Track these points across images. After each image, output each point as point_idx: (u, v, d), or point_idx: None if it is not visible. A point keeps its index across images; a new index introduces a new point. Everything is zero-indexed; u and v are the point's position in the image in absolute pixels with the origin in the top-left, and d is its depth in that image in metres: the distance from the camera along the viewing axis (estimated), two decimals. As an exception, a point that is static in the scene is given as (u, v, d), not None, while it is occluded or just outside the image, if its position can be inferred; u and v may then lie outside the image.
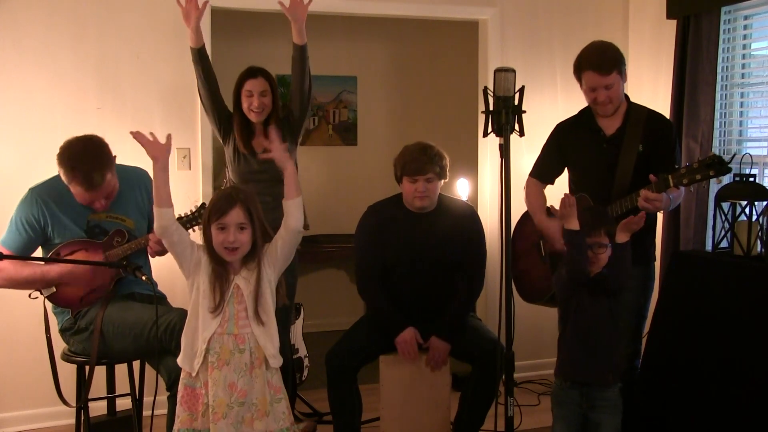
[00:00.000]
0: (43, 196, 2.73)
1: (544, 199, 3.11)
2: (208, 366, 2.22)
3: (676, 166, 2.72)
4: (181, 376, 2.30)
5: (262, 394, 2.25)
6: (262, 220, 2.33)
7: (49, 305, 2.80)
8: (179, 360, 2.29)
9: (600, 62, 2.78)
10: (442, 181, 3.00)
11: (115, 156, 2.75)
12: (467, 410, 2.95)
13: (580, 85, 2.91)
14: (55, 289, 2.73)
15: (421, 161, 2.90)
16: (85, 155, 2.64)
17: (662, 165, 2.75)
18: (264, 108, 3.16)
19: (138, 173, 2.94)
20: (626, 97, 2.95)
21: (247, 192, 2.37)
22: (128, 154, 2.82)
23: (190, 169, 3.67)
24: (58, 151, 2.67)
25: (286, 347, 3.41)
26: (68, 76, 3.48)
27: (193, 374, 2.25)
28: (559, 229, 2.84)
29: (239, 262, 2.31)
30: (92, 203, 2.72)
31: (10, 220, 2.73)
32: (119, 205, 2.82)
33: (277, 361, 2.30)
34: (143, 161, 2.98)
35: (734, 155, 2.85)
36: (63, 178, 2.65)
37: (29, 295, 2.75)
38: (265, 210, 3.20)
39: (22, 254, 2.71)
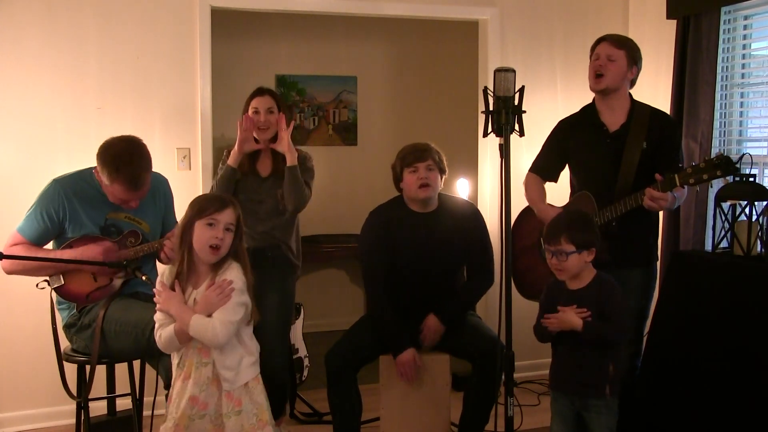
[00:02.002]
0: (67, 189, 2.73)
1: (544, 191, 3.12)
2: (175, 378, 2.24)
3: (681, 165, 2.73)
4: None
5: (220, 406, 2.23)
6: (242, 241, 2.31)
7: (54, 298, 2.81)
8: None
9: (616, 37, 2.96)
10: (443, 177, 3.00)
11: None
12: (471, 410, 2.95)
13: (590, 63, 2.97)
14: (63, 282, 2.73)
15: (419, 150, 2.96)
16: (131, 155, 2.66)
17: (667, 162, 2.75)
18: (269, 126, 3.16)
19: (159, 179, 2.95)
20: (630, 96, 2.97)
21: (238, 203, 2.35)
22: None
23: (190, 169, 3.67)
24: (98, 150, 2.68)
25: (285, 348, 3.41)
26: (68, 76, 3.48)
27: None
28: (555, 215, 2.86)
29: (206, 275, 2.26)
30: (127, 203, 2.75)
31: (31, 208, 2.74)
32: (139, 208, 2.84)
33: (229, 385, 2.23)
34: (157, 166, 2.99)
35: (742, 156, 2.85)
36: (105, 177, 2.66)
37: (37, 285, 2.75)
38: (265, 211, 3.22)
39: (37, 243, 2.73)
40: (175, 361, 2.27)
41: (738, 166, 2.55)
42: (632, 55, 2.91)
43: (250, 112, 3.17)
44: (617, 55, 2.88)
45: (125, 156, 2.64)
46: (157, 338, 2.24)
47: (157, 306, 2.23)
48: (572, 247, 2.39)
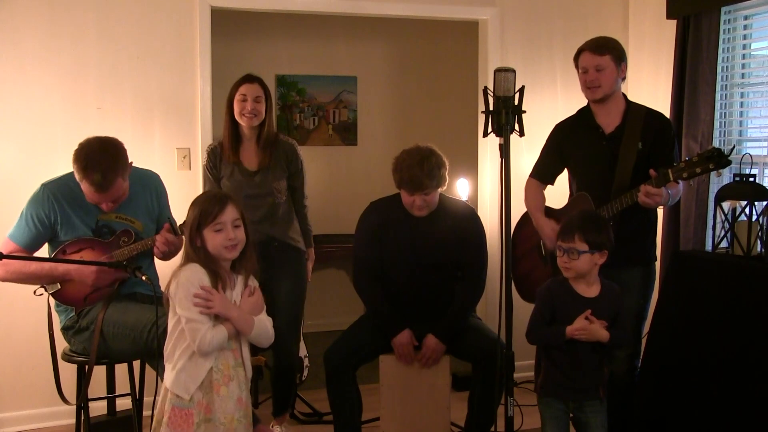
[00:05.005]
0: (55, 192, 2.72)
1: (543, 199, 3.13)
2: (212, 384, 2.16)
3: (675, 163, 2.73)
4: (168, 396, 2.17)
5: (249, 406, 2.27)
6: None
7: (52, 302, 2.81)
8: (170, 385, 2.15)
9: (595, 44, 2.90)
10: (442, 187, 2.99)
11: (131, 162, 2.73)
12: (476, 411, 2.96)
13: (579, 74, 2.95)
14: (59, 286, 2.73)
15: (418, 177, 2.81)
16: (101, 157, 2.61)
17: (662, 162, 2.76)
18: (256, 114, 3.15)
19: (148, 175, 2.94)
20: (624, 96, 2.98)
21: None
22: (132, 156, 2.80)
23: (190, 169, 3.66)
24: (76, 147, 2.65)
25: (294, 348, 3.41)
26: (68, 76, 3.48)
27: (188, 397, 2.14)
28: (553, 229, 2.90)
29: (230, 275, 2.25)
30: (99, 203, 2.73)
31: (21, 215, 2.74)
32: (129, 206, 2.82)
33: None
34: (149, 164, 2.99)
35: (733, 147, 2.86)
36: (75, 174, 2.65)
37: (34, 292, 2.75)
38: (270, 211, 3.22)
39: (30, 248, 2.73)
40: (207, 365, 2.15)
41: (730, 158, 2.55)
42: (617, 55, 2.88)
43: (237, 97, 3.15)
44: (604, 63, 2.85)
45: (95, 155, 2.60)
46: (206, 341, 2.10)
47: (212, 310, 2.13)
48: (585, 247, 2.40)
